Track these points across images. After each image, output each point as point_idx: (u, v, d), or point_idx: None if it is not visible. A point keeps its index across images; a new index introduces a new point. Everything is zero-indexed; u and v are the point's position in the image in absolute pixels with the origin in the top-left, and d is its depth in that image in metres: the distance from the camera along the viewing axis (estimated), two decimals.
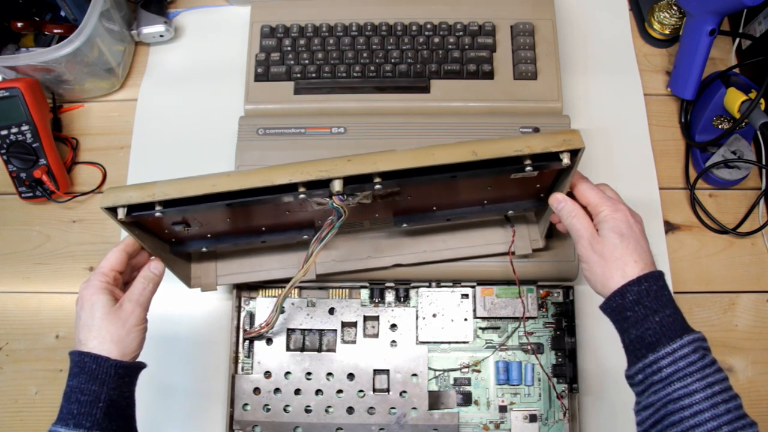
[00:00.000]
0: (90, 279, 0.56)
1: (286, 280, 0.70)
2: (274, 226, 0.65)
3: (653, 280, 0.52)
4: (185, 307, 0.77)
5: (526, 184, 0.61)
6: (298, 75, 0.80)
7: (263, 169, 0.53)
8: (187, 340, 0.76)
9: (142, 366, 0.56)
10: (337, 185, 0.53)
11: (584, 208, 0.58)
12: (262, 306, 0.73)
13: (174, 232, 0.61)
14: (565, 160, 0.54)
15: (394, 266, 0.71)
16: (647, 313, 0.51)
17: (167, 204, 0.53)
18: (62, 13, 0.85)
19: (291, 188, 0.53)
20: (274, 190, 0.53)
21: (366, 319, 0.73)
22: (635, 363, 0.51)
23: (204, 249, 0.65)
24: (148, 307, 0.57)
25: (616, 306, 0.53)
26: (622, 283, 0.52)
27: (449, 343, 0.73)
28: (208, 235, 0.64)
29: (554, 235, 0.72)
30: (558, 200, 0.59)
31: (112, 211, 0.53)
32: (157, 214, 0.53)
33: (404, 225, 0.67)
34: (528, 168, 0.54)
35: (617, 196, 0.59)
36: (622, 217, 0.55)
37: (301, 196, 0.53)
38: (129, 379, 0.54)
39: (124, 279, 0.58)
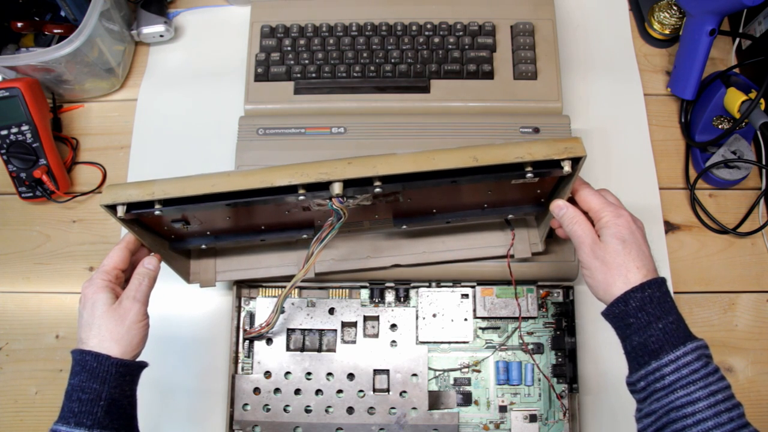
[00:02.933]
0: (92, 277, 0.56)
1: (286, 278, 0.71)
2: (273, 225, 0.65)
3: (656, 286, 0.52)
4: (185, 308, 0.77)
5: (526, 189, 0.61)
6: (298, 75, 0.80)
7: (263, 169, 0.53)
8: (188, 340, 0.76)
9: (143, 365, 0.56)
10: (336, 188, 0.53)
11: (585, 213, 0.57)
12: (262, 306, 0.73)
13: (173, 230, 0.61)
14: (566, 167, 0.53)
15: (392, 266, 0.71)
16: (650, 320, 0.50)
17: (167, 202, 0.53)
18: (62, 13, 0.85)
19: (291, 190, 0.53)
20: (274, 191, 0.53)
21: (366, 319, 0.73)
22: (637, 370, 0.51)
23: (203, 246, 0.66)
24: (147, 303, 0.57)
25: (618, 312, 0.52)
26: (625, 289, 0.52)
27: (449, 343, 0.73)
28: (208, 233, 0.64)
29: (554, 236, 0.72)
30: (559, 207, 0.58)
31: (112, 208, 0.53)
32: (157, 212, 0.53)
33: (404, 226, 0.67)
34: (529, 174, 0.54)
35: (618, 202, 0.58)
36: (624, 223, 0.54)
37: (301, 197, 0.53)
38: (130, 378, 0.54)
39: (127, 276, 0.58)
